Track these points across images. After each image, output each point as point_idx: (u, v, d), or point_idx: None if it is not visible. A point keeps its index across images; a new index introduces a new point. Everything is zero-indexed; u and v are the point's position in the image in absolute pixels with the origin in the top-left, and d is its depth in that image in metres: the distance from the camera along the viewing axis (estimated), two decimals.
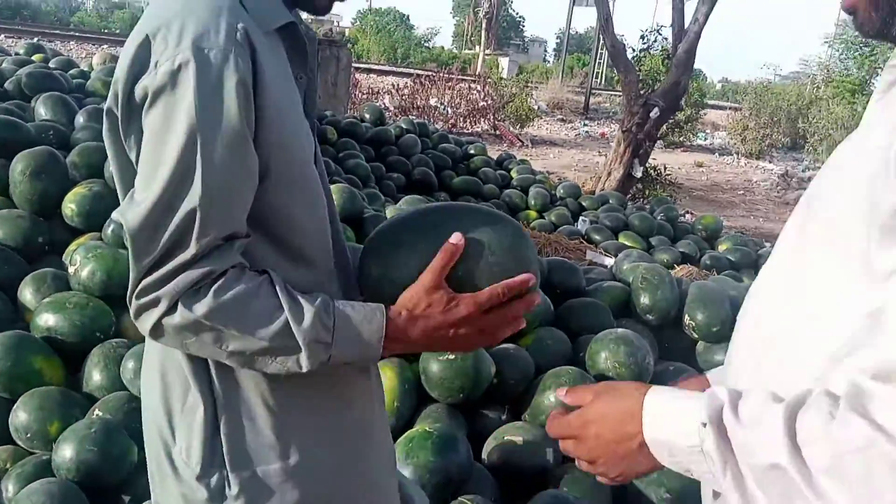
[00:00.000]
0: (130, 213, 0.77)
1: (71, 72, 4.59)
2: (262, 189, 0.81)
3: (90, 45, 15.76)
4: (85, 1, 54.64)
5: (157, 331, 0.79)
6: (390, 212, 2.44)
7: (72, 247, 2.40)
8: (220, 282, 0.78)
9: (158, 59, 0.75)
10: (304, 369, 0.81)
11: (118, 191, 0.86)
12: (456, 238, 0.86)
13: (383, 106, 13.57)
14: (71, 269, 2.15)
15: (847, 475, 0.59)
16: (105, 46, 13.98)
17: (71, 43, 15.81)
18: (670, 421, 0.72)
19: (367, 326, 0.83)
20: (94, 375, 1.90)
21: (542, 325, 2.22)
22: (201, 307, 0.77)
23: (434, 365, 1.87)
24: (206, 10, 0.77)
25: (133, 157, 0.80)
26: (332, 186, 2.55)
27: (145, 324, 0.79)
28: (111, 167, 0.85)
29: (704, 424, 0.68)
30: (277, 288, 0.80)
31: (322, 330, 0.80)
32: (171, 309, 0.77)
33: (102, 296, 2.07)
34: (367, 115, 5.69)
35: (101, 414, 1.75)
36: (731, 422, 0.67)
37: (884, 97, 0.80)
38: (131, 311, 0.80)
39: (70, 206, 2.50)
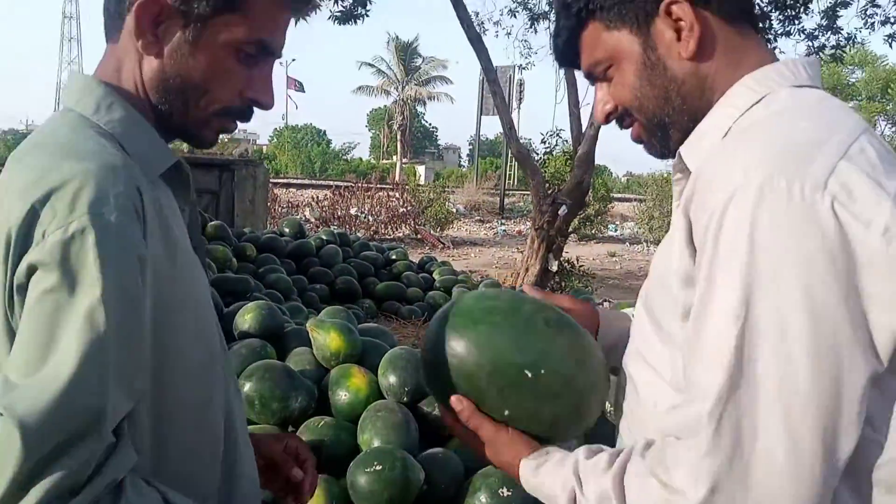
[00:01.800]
0: (21, 401, 0.63)
1: None
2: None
3: None
4: None
5: None
6: (311, 324, 2.44)
7: None
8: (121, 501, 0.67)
9: (46, 229, 0.66)
10: None
11: None
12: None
13: (304, 218, 13.68)
14: None
15: None
16: None
17: None
18: (540, 487, 0.87)
19: None
20: None
21: None
22: None
23: (361, 478, 1.84)
24: (98, 171, 0.70)
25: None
26: (250, 304, 2.55)
27: None
28: None
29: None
30: None
31: None
32: None
33: None
34: (287, 229, 5.74)
35: None
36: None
37: (680, 205, 0.92)
38: None
39: None
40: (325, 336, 2.28)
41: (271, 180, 17.88)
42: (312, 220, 13.59)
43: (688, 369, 0.72)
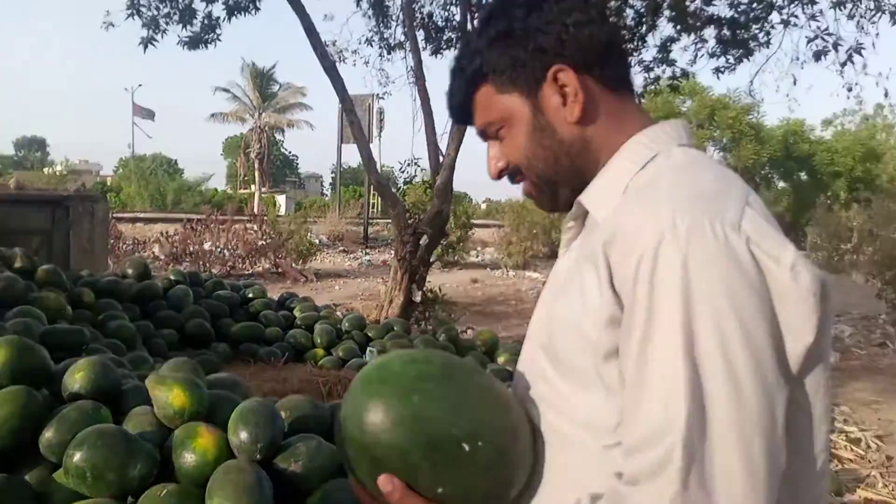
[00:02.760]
0: None
1: None
2: None
3: None
4: None
5: None
6: (152, 381, 2.24)
7: None
8: None
9: None
10: None
11: None
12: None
13: (153, 256, 12.86)
14: None
15: None
16: None
17: None
18: None
19: None
20: None
21: (329, 479, 2.14)
22: None
23: None
24: None
25: None
26: (81, 361, 2.31)
27: None
28: None
29: None
30: None
31: None
32: None
33: None
34: (130, 270, 5.32)
35: None
36: None
37: (567, 253, 0.98)
38: None
39: None
40: (168, 393, 2.10)
41: (116, 215, 16.68)
42: (162, 257, 12.79)
43: (635, 409, 0.75)
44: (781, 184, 24.00)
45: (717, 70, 7.36)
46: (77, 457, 1.90)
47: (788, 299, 0.74)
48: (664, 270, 0.73)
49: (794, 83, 7.48)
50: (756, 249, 0.74)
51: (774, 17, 6.88)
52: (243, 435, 1.97)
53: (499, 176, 0.98)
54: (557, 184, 0.95)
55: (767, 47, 7.05)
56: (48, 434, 2.03)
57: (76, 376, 2.26)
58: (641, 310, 0.74)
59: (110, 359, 2.84)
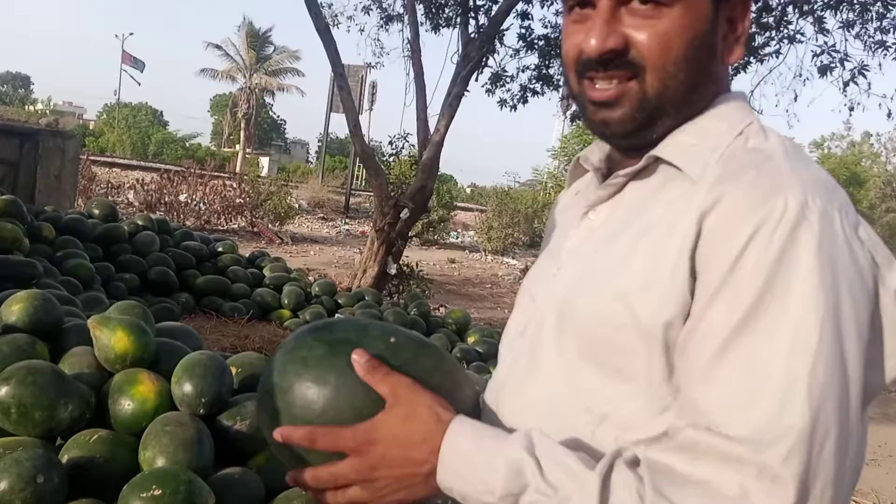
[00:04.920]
0: None
1: None
2: None
3: None
4: None
5: None
6: (94, 321, 2.08)
7: None
8: None
9: None
10: None
11: None
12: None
13: (126, 202, 12.56)
14: None
15: None
16: None
17: None
18: (471, 468, 0.70)
19: None
20: None
21: None
22: None
23: (136, 503, 1.56)
24: None
25: None
26: (21, 293, 2.15)
27: None
28: None
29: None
30: None
31: None
32: None
33: None
34: (96, 211, 5.11)
35: None
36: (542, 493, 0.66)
37: (602, 216, 0.81)
38: None
39: None
40: (110, 335, 1.95)
41: (93, 157, 16.24)
42: (136, 203, 12.48)
43: (727, 395, 0.63)
44: None
45: None
46: (3, 391, 1.75)
47: (889, 322, 0.66)
48: (803, 254, 0.63)
49: (795, 99, 7.38)
50: (874, 256, 0.67)
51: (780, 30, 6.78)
52: (187, 387, 1.83)
53: (601, 54, 0.72)
54: (668, 112, 0.74)
55: (776, 58, 6.94)
56: None
57: (13, 308, 2.10)
58: (749, 287, 0.63)
59: (58, 295, 2.68)
